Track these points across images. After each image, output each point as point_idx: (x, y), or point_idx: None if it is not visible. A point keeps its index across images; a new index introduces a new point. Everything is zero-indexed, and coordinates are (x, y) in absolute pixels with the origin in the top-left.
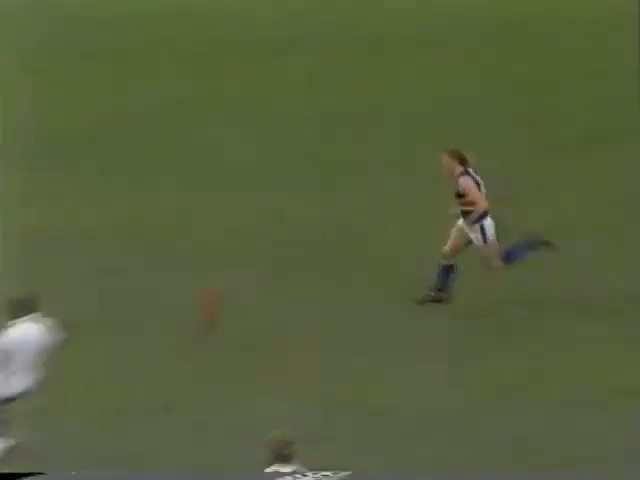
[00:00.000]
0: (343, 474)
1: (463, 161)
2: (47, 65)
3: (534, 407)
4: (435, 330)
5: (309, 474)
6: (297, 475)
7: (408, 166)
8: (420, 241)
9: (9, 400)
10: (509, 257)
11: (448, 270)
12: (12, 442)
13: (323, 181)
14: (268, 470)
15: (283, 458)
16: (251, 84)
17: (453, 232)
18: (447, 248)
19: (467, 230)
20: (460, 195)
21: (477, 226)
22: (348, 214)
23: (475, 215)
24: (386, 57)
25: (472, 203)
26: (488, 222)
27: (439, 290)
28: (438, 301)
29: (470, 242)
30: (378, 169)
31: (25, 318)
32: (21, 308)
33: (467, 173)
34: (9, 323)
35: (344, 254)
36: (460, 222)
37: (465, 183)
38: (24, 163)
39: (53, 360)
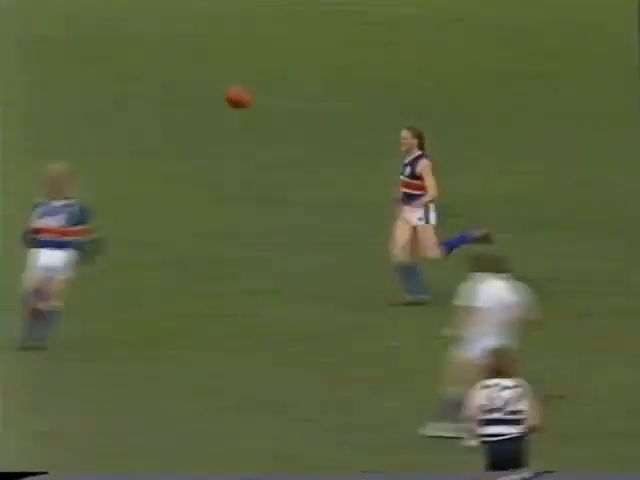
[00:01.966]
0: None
1: (422, 143)
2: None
3: None
4: None
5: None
6: (518, 388)
7: None
8: None
9: None
10: (450, 247)
11: (410, 270)
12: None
13: None
14: (489, 382)
15: (504, 372)
16: None
17: (399, 228)
18: (399, 247)
19: (408, 213)
20: (416, 177)
21: (425, 207)
22: None
23: (425, 199)
24: None
25: (424, 187)
26: (433, 206)
27: (414, 292)
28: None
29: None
30: None
31: (492, 276)
32: (488, 265)
33: (425, 156)
34: (473, 276)
35: None
36: (412, 212)
37: (423, 166)
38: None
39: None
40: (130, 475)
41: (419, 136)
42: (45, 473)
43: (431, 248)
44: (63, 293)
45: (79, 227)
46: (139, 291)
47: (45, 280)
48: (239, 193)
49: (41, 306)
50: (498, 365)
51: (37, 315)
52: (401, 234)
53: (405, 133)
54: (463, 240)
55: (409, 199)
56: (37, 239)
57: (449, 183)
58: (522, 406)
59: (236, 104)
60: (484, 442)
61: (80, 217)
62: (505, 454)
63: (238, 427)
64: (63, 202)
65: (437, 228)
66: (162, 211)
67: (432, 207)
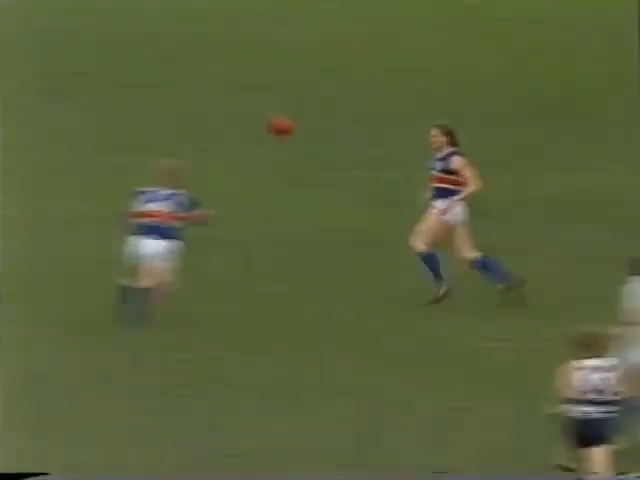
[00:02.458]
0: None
1: (454, 140)
2: None
3: None
4: None
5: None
6: (612, 368)
7: None
8: None
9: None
10: (483, 266)
11: (432, 259)
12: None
13: None
14: (584, 363)
15: (598, 353)
16: None
17: (429, 219)
18: (423, 239)
19: (444, 210)
20: (449, 172)
21: (449, 201)
22: None
23: (464, 195)
24: None
25: (461, 183)
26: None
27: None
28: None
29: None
30: None
31: None
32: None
33: (459, 153)
34: (630, 279)
35: None
36: (436, 204)
37: (459, 161)
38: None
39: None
40: (132, 475)
41: (448, 133)
42: (46, 474)
43: (418, 238)
44: (167, 279)
45: (188, 214)
46: (250, 291)
47: (146, 267)
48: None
49: (140, 287)
50: (592, 346)
51: (137, 296)
52: (453, 236)
53: (434, 131)
54: (498, 276)
55: (441, 194)
56: (140, 224)
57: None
58: (616, 385)
59: (279, 131)
60: (571, 418)
61: (189, 206)
62: (593, 431)
63: (347, 427)
64: (170, 191)
65: (466, 225)
66: (282, 212)
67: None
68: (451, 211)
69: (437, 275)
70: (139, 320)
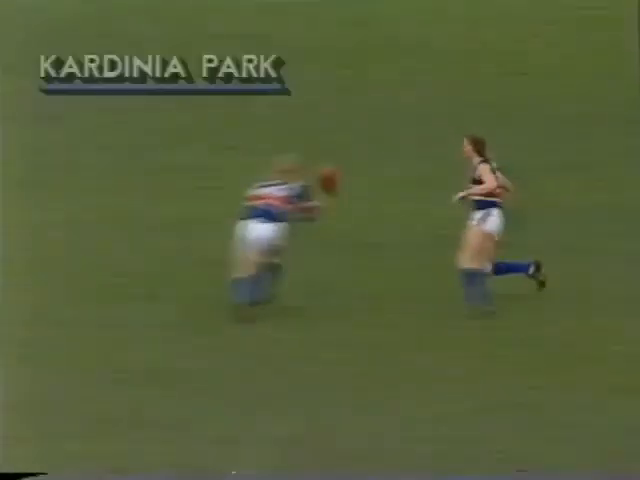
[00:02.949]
0: None
1: (482, 150)
2: None
3: None
4: None
5: None
6: None
7: None
8: None
9: None
10: (501, 270)
11: (475, 277)
12: None
13: None
14: None
15: None
16: None
17: (469, 234)
18: (469, 255)
19: (474, 218)
20: (476, 182)
21: (487, 211)
22: None
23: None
24: None
25: (495, 193)
26: (497, 212)
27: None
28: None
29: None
30: None
31: None
32: None
33: (487, 162)
34: None
35: None
36: (474, 216)
37: (481, 169)
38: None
39: None
40: (131, 474)
41: (475, 143)
42: (45, 474)
43: (464, 255)
44: (275, 264)
45: (302, 203)
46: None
47: (254, 253)
48: None
49: (248, 277)
50: None
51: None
52: (470, 242)
53: (465, 142)
54: (518, 269)
55: (477, 204)
56: (253, 207)
57: None
58: None
59: (329, 184)
60: None
61: (303, 194)
62: None
63: (479, 429)
64: (288, 183)
65: (498, 238)
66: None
67: (496, 212)
68: (489, 221)
69: (478, 294)
70: (253, 310)
